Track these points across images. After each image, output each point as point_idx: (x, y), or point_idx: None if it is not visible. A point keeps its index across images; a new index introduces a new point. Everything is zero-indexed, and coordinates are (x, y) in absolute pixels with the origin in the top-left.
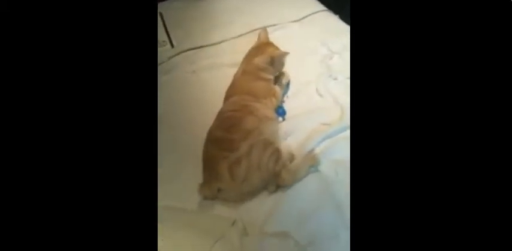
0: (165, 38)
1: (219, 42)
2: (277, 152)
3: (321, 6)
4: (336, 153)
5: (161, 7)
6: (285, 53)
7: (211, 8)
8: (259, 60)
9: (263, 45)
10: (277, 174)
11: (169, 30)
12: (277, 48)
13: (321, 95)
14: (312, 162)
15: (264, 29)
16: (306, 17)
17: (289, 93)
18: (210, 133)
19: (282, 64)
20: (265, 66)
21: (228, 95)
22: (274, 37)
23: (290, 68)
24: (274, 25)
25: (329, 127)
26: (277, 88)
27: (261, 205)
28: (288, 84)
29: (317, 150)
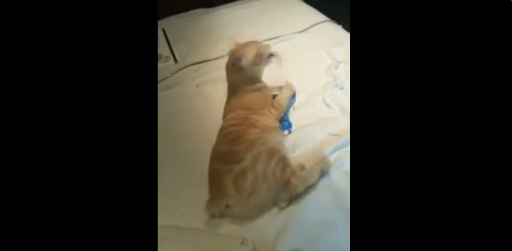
0: (169, 53)
1: (222, 56)
2: (283, 159)
3: (324, 17)
4: (347, 165)
5: (164, 23)
6: (237, 57)
7: (214, 22)
8: (231, 77)
9: (229, 58)
10: (287, 182)
11: (172, 45)
12: (251, 45)
13: (328, 106)
14: (322, 165)
15: (235, 40)
16: (310, 27)
17: (296, 104)
18: (214, 149)
19: (257, 58)
20: (240, 77)
21: (226, 113)
22: (278, 48)
23: (295, 79)
24: (277, 37)
25: (338, 138)
26: (279, 99)
27: (271, 222)
28: (294, 95)
29: None
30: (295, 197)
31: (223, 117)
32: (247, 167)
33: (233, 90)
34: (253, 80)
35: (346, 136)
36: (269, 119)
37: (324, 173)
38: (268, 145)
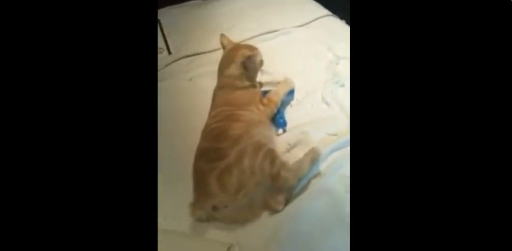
0: (163, 45)
1: (217, 49)
2: (271, 152)
3: (326, 11)
4: (345, 167)
5: (160, 14)
6: (253, 55)
7: (212, 13)
8: (231, 70)
9: (230, 52)
10: (276, 175)
11: (167, 37)
12: (247, 47)
13: (327, 104)
14: (312, 155)
15: (222, 34)
16: (311, 22)
17: (293, 101)
18: (197, 148)
19: (258, 63)
20: (240, 73)
21: (210, 111)
22: (277, 42)
23: (294, 74)
24: (276, 31)
25: (336, 138)
26: (272, 94)
27: (261, 228)
28: (292, 91)
29: (324, 164)
30: (291, 199)
31: (208, 116)
32: (232, 162)
33: (222, 85)
34: (249, 79)
35: (345, 137)
36: (256, 115)
37: (314, 163)
38: (255, 138)
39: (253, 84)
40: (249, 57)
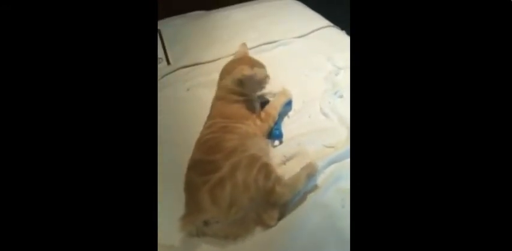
0: (162, 55)
1: (216, 60)
2: (266, 166)
3: (327, 22)
4: (342, 181)
5: (160, 24)
6: (252, 75)
7: (211, 25)
8: (226, 82)
9: (231, 64)
10: (270, 191)
11: (167, 47)
12: (250, 63)
13: (325, 115)
14: (309, 170)
15: (243, 43)
16: (310, 32)
17: (290, 112)
18: (190, 159)
19: (259, 83)
20: (234, 87)
21: (206, 121)
22: (276, 53)
23: (292, 84)
24: (275, 41)
25: (334, 150)
26: (270, 107)
27: (253, 244)
28: (289, 102)
29: (321, 177)
30: (285, 214)
31: (204, 124)
32: (225, 176)
33: (218, 96)
34: (244, 94)
35: (342, 149)
36: (251, 128)
37: (310, 178)
38: (250, 151)
39: (249, 98)
40: (246, 76)
